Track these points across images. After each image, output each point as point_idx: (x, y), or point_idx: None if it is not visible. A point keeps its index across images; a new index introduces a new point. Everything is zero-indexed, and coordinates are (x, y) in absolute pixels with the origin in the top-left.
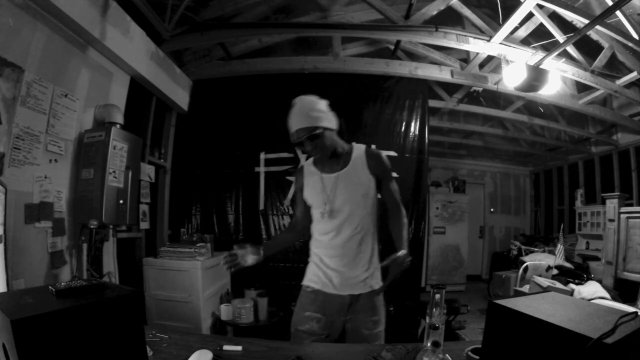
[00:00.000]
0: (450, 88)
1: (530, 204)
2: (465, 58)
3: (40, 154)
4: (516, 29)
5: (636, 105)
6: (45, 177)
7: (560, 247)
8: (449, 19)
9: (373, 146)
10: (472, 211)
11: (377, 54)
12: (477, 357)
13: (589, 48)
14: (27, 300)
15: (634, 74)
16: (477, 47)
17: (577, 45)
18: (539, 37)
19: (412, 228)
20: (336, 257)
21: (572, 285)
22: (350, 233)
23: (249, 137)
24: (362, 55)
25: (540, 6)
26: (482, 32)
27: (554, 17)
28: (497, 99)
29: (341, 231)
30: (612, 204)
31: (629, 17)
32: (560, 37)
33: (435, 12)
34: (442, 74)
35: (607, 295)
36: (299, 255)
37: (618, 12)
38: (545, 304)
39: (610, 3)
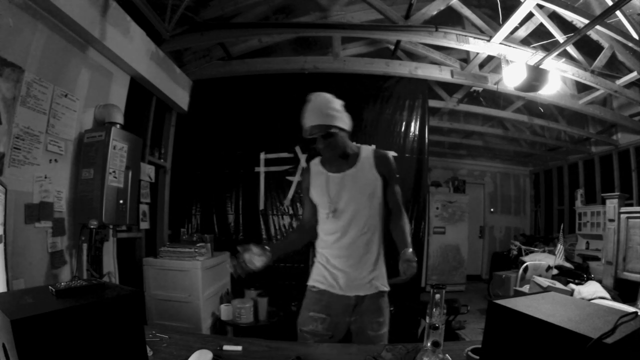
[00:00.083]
0: (450, 88)
1: (530, 204)
2: (465, 58)
3: (40, 154)
4: (516, 29)
5: (636, 105)
6: (45, 177)
7: (560, 247)
8: (449, 19)
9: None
10: (472, 211)
11: (377, 54)
12: (477, 357)
13: (589, 48)
14: (27, 300)
15: (634, 74)
16: (477, 47)
17: (577, 45)
18: (539, 37)
19: (412, 228)
20: (342, 258)
21: (572, 285)
22: (356, 233)
23: (249, 137)
24: (362, 55)
25: (540, 6)
26: (482, 32)
27: (554, 17)
28: (497, 99)
29: (347, 231)
30: (612, 204)
31: (629, 17)
32: (560, 37)
33: (435, 12)
34: (442, 74)
35: (607, 295)
36: (299, 255)
37: (618, 12)
38: (545, 304)
39: (610, 3)
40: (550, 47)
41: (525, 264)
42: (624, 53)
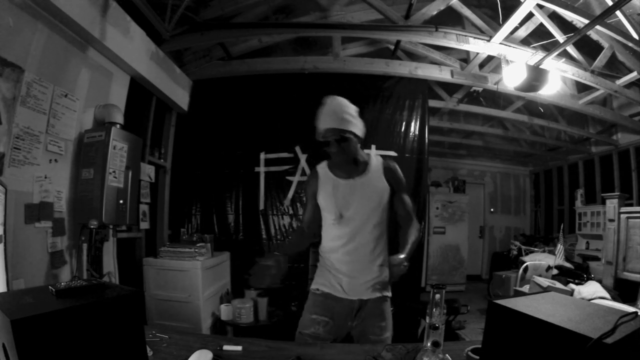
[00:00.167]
0: (450, 88)
1: (530, 204)
2: (465, 58)
3: (40, 154)
4: (516, 29)
5: (636, 105)
6: (45, 177)
7: (560, 247)
8: (449, 19)
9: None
10: (472, 211)
11: (377, 54)
12: (477, 357)
13: (589, 48)
14: (27, 300)
15: (634, 74)
16: (477, 47)
17: (577, 45)
18: (539, 37)
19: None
20: (349, 263)
21: (572, 285)
22: (363, 240)
23: (249, 137)
24: (362, 55)
25: (540, 6)
26: (482, 32)
27: (554, 17)
28: (497, 99)
29: (355, 238)
30: (612, 204)
31: (629, 17)
32: (560, 37)
33: (435, 12)
34: (442, 74)
35: (607, 295)
36: (299, 255)
37: (618, 12)
38: (545, 304)
39: (610, 3)
40: (550, 47)
41: (525, 264)
42: (624, 53)
